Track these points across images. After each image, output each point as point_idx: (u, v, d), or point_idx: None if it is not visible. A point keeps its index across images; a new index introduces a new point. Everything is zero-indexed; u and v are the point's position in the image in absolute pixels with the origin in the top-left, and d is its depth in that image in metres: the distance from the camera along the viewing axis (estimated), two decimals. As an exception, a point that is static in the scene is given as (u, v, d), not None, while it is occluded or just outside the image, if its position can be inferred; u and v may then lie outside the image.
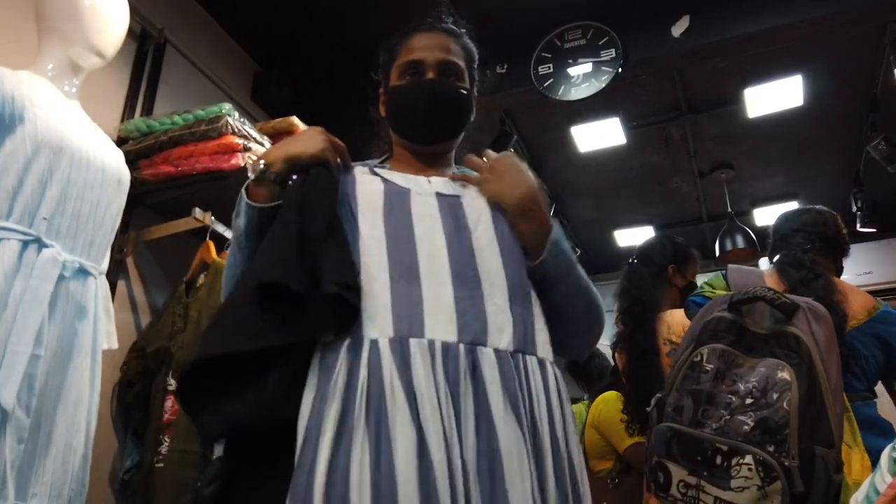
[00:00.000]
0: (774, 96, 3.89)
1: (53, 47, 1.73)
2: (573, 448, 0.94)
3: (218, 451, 0.93)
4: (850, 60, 3.70)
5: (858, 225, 4.57)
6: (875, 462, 1.40)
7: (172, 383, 2.19)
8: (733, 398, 1.35)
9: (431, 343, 0.87)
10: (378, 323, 0.89)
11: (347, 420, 0.82)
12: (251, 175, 1.04)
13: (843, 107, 4.07)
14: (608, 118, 4.12)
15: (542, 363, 0.96)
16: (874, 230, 4.59)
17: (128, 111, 2.57)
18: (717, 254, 4.80)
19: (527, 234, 1.05)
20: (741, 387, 1.36)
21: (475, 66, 1.23)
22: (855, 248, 5.05)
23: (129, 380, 2.27)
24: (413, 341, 0.87)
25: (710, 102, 4.06)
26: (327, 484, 0.78)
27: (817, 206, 1.98)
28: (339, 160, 1.09)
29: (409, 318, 0.89)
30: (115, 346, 1.79)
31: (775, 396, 1.32)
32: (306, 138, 1.07)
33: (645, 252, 2.36)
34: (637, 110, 4.14)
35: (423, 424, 0.81)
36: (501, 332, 0.92)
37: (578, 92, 3.26)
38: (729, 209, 4.87)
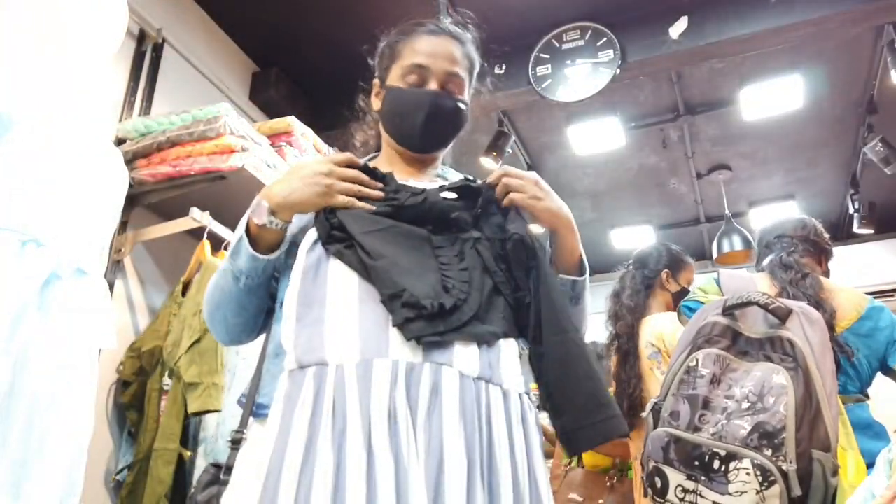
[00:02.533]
0: (772, 98, 3.90)
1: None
2: (539, 474, 0.93)
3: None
4: (847, 62, 3.71)
5: (856, 226, 4.58)
6: (871, 465, 1.40)
7: (168, 383, 2.19)
8: (730, 402, 1.36)
9: (395, 363, 0.87)
10: (345, 347, 0.88)
11: (311, 451, 0.82)
12: (255, 218, 1.02)
13: (840, 108, 4.08)
14: (606, 119, 4.13)
15: (506, 394, 0.95)
16: (871, 231, 4.60)
17: (126, 111, 2.57)
18: (715, 255, 4.81)
19: (572, 252, 1.09)
20: (737, 391, 1.37)
21: (475, 73, 1.22)
22: (852, 249, 5.09)
23: (125, 380, 2.28)
24: (377, 362, 0.87)
25: (708, 104, 4.07)
26: None
27: (798, 215, 2.02)
28: (345, 197, 1.02)
29: (376, 340, 0.89)
30: (114, 346, 1.79)
31: (772, 401, 1.33)
32: (313, 183, 1.00)
33: (641, 257, 2.43)
34: (635, 111, 4.15)
35: (373, 448, 0.81)
36: (468, 358, 0.92)
37: (576, 93, 3.27)
38: (726, 210, 4.88)
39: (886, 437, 1.55)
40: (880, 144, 3.73)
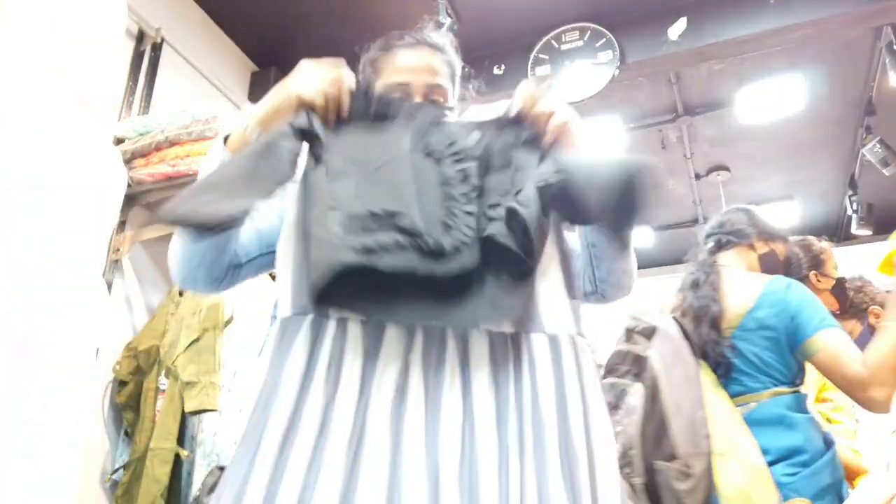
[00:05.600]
0: (770, 99, 3.90)
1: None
2: (596, 430, 0.82)
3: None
4: (845, 63, 3.71)
5: (854, 227, 4.59)
6: (779, 460, 1.42)
7: (165, 382, 2.18)
8: (618, 428, 1.47)
9: (411, 328, 0.82)
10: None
11: (295, 424, 0.76)
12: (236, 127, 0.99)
13: (838, 109, 4.08)
14: (605, 120, 4.13)
15: (553, 339, 0.86)
16: (869, 232, 4.60)
17: (124, 110, 2.56)
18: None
19: None
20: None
21: (457, 77, 1.21)
22: (850, 251, 5.09)
23: (122, 379, 2.27)
24: (390, 326, 0.82)
25: (707, 105, 4.07)
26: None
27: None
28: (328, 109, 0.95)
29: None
30: (110, 345, 1.79)
31: (626, 420, 1.46)
32: (298, 77, 0.98)
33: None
34: (633, 112, 4.15)
35: (366, 427, 0.75)
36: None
37: (575, 94, 3.26)
38: (725, 211, 4.87)
39: (801, 427, 1.48)
40: (879, 146, 3.73)
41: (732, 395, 1.53)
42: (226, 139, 1.00)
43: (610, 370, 1.57)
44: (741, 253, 1.79)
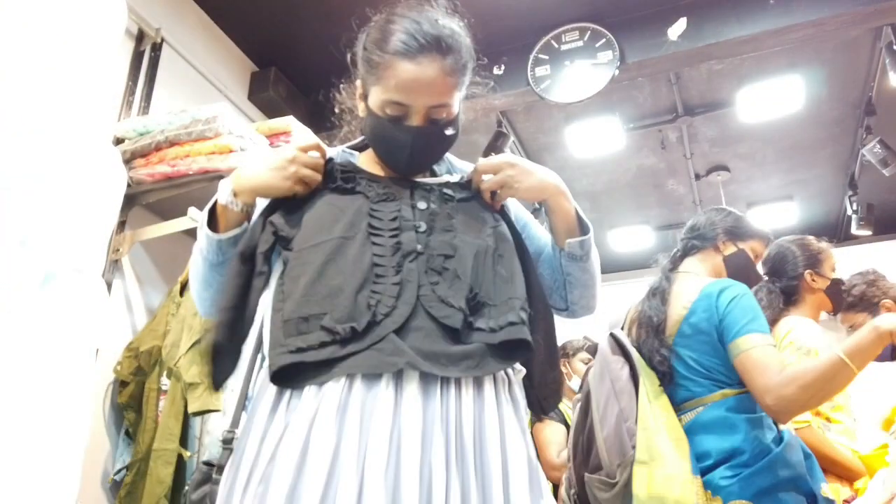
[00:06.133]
0: (770, 99, 3.90)
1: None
2: (511, 453, 0.91)
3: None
4: (845, 64, 3.72)
5: (854, 227, 4.59)
6: (721, 462, 1.41)
7: (166, 383, 2.18)
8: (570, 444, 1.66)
9: (350, 379, 0.90)
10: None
11: (266, 431, 0.90)
12: (219, 197, 1.04)
13: (838, 110, 4.09)
14: (605, 120, 4.13)
15: (477, 380, 0.94)
16: (869, 233, 4.61)
17: (124, 111, 2.56)
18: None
19: (567, 214, 1.12)
20: None
21: (469, 71, 1.10)
22: (850, 251, 5.10)
23: (123, 380, 2.27)
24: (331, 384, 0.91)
25: (706, 105, 4.08)
26: None
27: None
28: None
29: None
30: (110, 346, 1.79)
31: (572, 439, 1.60)
32: (277, 168, 1.02)
33: (773, 266, 2.15)
34: (633, 112, 4.15)
35: (310, 435, 0.86)
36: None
37: (575, 94, 3.27)
38: (725, 211, 4.87)
39: (741, 427, 1.45)
40: (878, 146, 3.73)
41: (681, 401, 1.53)
42: (211, 213, 1.06)
43: (580, 388, 1.68)
44: (706, 257, 1.77)
